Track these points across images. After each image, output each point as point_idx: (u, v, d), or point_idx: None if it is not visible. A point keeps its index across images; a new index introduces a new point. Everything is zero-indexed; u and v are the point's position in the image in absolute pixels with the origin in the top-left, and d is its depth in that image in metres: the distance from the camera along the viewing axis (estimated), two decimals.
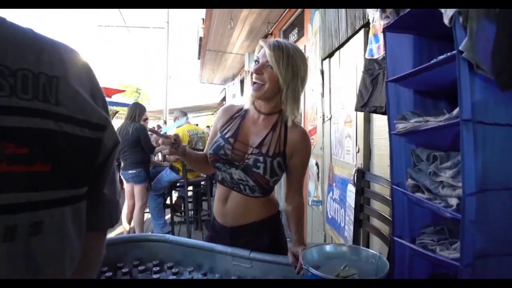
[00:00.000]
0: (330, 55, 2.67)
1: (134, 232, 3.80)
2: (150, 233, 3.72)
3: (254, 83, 1.17)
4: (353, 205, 1.93)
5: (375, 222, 1.62)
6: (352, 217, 1.96)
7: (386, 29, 1.16)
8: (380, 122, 1.70)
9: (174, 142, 1.15)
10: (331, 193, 2.51)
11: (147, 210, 4.22)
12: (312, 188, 3.13)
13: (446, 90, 1.09)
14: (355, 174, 1.78)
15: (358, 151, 1.92)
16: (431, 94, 1.18)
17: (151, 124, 14.43)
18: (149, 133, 1.21)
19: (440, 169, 0.96)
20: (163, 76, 9.14)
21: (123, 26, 8.73)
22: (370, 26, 1.54)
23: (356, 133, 1.97)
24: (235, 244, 1.22)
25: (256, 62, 1.20)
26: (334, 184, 2.43)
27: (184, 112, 4.73)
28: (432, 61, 0.98)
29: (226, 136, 1.25)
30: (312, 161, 3.09)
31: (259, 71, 1.16)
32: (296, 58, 1.17)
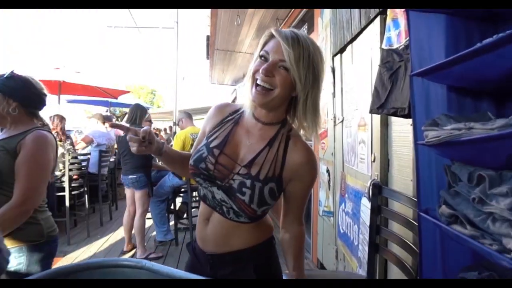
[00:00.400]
0: (342, 50, 2.40)
1: (135, 240, 3.62)
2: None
3: (259, 85, 0.91)
4: (367, 223, 1.65)
5: (395, 248, 1.34)
6: (366, 237, 1.68)
7: (409, 8, 0.89)
8: (400, 126, 1.42)
9: (143, 140, 0.92)
10: (343, 204, 2.23)
11: (149, 216, 4.04)
12: (323, 197, 2.85)
13: (493, 86, 0.81)
14: (370, 188, 1.50)
15: (374, 160, 1.64)
16: (470, 91, 0.90)
17: (162, 125, 14.41)
18: (109, 127, 1.01)
19: (489, 195, 0.68)
20: (172, 76, 9.00)
21: (132, 26, 8.63)
22: (388, 10, 1.27)
23: (372, 139, 1.69)
24: (215, 276, 0.99)
25: (262, 58, 0.92)
26: (346, 196, 2.15)
27: (188, 114, 4.52)
28: (476, 46, 0.71)
29: (212, 145, 1.00)
30: (323, 168, 2.81)
31: (269, 71, 0.89)
32: (317, 58, 0.91)
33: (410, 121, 1.31)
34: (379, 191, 1.41)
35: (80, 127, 5.22)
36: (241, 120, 1.03)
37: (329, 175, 2.66)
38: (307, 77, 0.89)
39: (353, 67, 2.12)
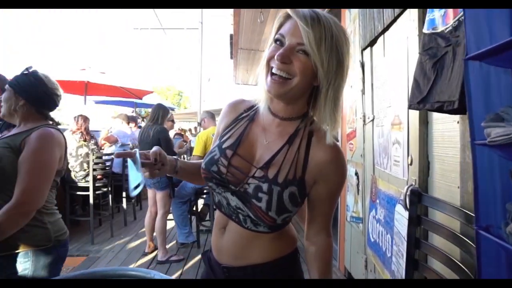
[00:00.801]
0: (372, 43, 2.21)
1: (156, 241, 3.58)
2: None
3: (275, 74, 0.78)
4: (403, 234, 1.47)
5: (437, 265, 1.16)
6: (401, 249, 1.49)
7: None
8: (444, 124, 1.23)
9: (155, 163, 0.83)
10: (373, 211, 2.04)
11: (171, 218, 3.99)
12: (351, 201, 2.66)
13: None
14: (407, 194, 1.32)
15: (411, 163, 1.45)
16: None
17: (187, 126, 14.55)
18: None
19: None
20: (197, 77, 9.04)
21: (158, 28, 8.74)
22: None
23: (408, 139, 1.50)
24: None
25: (278, 43, 0.80)
26: (377, 201, 1.96)
27: (211, 113, 4.45)
28: None
29: (224, 145, 0.89)
30: (351, 170, 2.62)
31: (285, 57, 0.76)
32: (341, 39, 0.78)
33: (456, 117, 1.12)
34: (419, 199, 1.22)
35: (111, 127, 5.28)
36: (257, 116, 0.91)
37: (358, 178, 2.47)
38: (329, 62, 0.76)
39: (385, 60, 1.93)
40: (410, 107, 1.11)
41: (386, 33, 1.93)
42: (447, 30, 0.97)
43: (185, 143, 6.03)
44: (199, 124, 6.64)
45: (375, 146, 2.08)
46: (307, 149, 0.83)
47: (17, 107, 1.37)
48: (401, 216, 1.51)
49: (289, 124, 0.87)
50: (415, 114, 1.41)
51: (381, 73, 2.01)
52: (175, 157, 0.94)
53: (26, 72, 1.40)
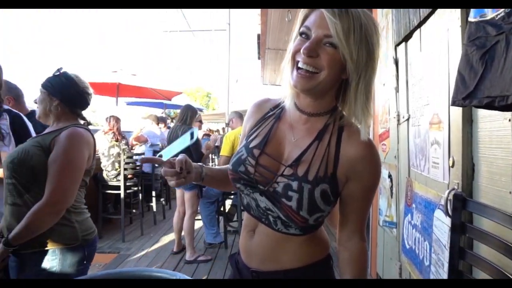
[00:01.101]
0: (407, 38, 2.08)
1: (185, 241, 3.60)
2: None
3: (301, 69, 0.75)
4: (443, 242, 1.36)
5: (485, 277, 1.05)
6: (442, 258, 1.38)
7: None
8: (492, 122, 1.12)
9: (180, 171, 0.81)
10: (409, 215, 1.92)
11: (199, 218, 4.01)
12: (383, 205, 2.54)
13: None
14: (448, 199, 1.22)
15: (453, 165, 1.34)
16: None
17: (215, 127, 14.69)
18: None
19: None
20: (226, 79, 9.10)
21: (186, 30, 8.88)
22: None
23: (449, 139, 1.39)
24: None
25: (303, 36, 0.76)
26: (413, 205, 1.84)
27: (239, 114, 4.44)
28: None
29: (251, 145, 0.86)
30: (384, 172, 2.50)
31: (312, 51, 0.73)
32: (371, 29, 0.74)
33: (508, 115, 1.01)
34: (463, 205, 1.12)
35: (144, 127, 5.43)
36: (283, 114, 0.88)
37: (391, 180, 2.35)
38: (359, 54, 0.72)
39: (422, 55, 1.81)
40: (453, 103, 1.01)
41: (423, 27, 1.81)
42: (499, 16, 0.86)
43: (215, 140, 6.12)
44: (227, 124, 6.67)
45: (410, 147, 1.95)
46: (338, 145, 0.79)
47: (52, 107, 1.40)
48: (441, 223, 1.40)
49: (317, 120, 0.83)
50: (457, 112, 1.30)
51: (417, 69, 1.89)
52: (200, 164, 0.92)
53: (57, 73, 1.43)
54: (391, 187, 2.34)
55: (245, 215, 0.93)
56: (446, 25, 1.45)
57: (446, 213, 1.24)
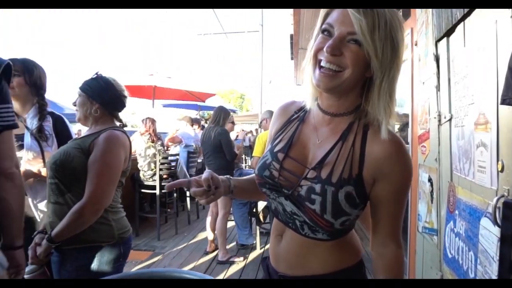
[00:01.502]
0: (449, 33, 1.96)
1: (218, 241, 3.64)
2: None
3: (323, 67, 0.73)
4: (491, 253, 1.25)
5: None
6: (489, 271, 1.27)
7: None
8: None
9: (209, 189, 0.81)
10: (451, 223, 1.80)
11: (232, 218, 4.04)
12: (423, 210, 2.41)
13: None
14: (497, 206, 1.12)
15: (502, 170, 1.23)
16: None
17: (249, 128, 14.79)
18: (167, 186, 0.93)
19: None
20: (259, 79, 9.13)
21: (220, 32, 9.02)
22: None
23: (498, 141, 1.28)
24: None
25: (326, 33, 0.74)
26: (456, 212, 1.72)
27: (272, 113, 4.42)
28: None
29: (276, 149, 0.85)
30: (423, 176, 2.37)
31: (335, 49, 0.70)
32: (396, 25, 0.71)
33: None
34: None
35: (179, 128, 5.59)
36: (307, 116, 0.87)
37: (431, 185, 2.21)
38: (384, 51, 0.70)
39: (466, 50, 1.69)
40: (503, 102, 0.93)
41: (467, 20, 1.68)
42: None
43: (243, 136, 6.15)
44: (260, 125, 6.68)
45: (453, 149, 1.83)
46: (363, 144, 0.76)
47: (92, 110, 1.46)
48: (488, 232, 1.29)
49: (341, 120, 0.80)
50: (507, 112, 1.19)
51: (461, 66, 1.76)
52: (227, 176, 0.92)
53: (95, 76, 1.48)
54: (431, 191, 2.21)
55: (274, 219, 0.92)
56: (494, 16, 1.34)
57: (495, 222, 1.14)
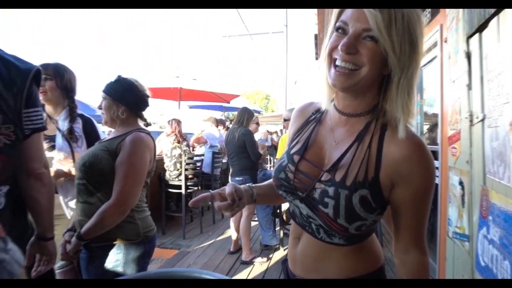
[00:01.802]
0: (481, 28, 1.86)
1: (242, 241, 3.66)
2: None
3: (338, 66, 0.70)
4: None
5: None
6: None
7: None
8: None
9: (233, 203, 0.81)
10: (484, 229, 1.71)
11: (255, 219, 4.05)
12: (453, 215, 2.30)
13: None
14: None
15: None
16: None
17: (274, 128, 14.76)
18: (190, 203, 0.95)
19: None
20: (284, 80, 9.10)
21: (245, 34, 9.07)
22: None
23: None
24: None
25: (340, 31, 0.71)
26: (490, 218, 1.63)
27: None
28: None
29: (292, 151, 0.84)
30: (454, 179, 2.26)
31: (351, 47, 0.68)
32: (414, 18, 0.67)
33: None
34: None
35: (205, 129, 5.69)
36: (324, 117, 0.84)
37: (462, 188, 2.11)
38: (402, 46, 0.66)
39: (501, 46, 1.60)
40: None
41: (501, 14, 1.59)
42: None
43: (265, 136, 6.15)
44: (284, 126, 6.66)
45: (486, 151, 1.74)
46: (380, 146, 0.72)
47: (119, 113, 1.49)
48: None
49: (357, 120, 0.77)
50: None
51: (495, 63, 1.67)
52: (249, 185, 0.91)
53: (118, 79, 1.52)
54: (463, 195, 2.10)
55: (292, 221, 0.91)
56: None
57: None
